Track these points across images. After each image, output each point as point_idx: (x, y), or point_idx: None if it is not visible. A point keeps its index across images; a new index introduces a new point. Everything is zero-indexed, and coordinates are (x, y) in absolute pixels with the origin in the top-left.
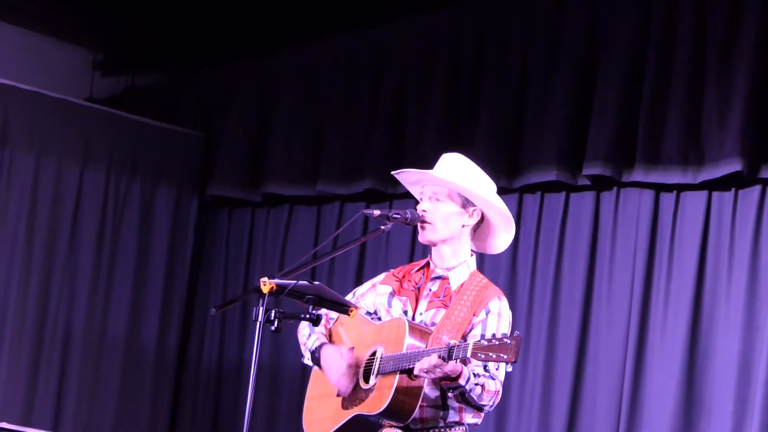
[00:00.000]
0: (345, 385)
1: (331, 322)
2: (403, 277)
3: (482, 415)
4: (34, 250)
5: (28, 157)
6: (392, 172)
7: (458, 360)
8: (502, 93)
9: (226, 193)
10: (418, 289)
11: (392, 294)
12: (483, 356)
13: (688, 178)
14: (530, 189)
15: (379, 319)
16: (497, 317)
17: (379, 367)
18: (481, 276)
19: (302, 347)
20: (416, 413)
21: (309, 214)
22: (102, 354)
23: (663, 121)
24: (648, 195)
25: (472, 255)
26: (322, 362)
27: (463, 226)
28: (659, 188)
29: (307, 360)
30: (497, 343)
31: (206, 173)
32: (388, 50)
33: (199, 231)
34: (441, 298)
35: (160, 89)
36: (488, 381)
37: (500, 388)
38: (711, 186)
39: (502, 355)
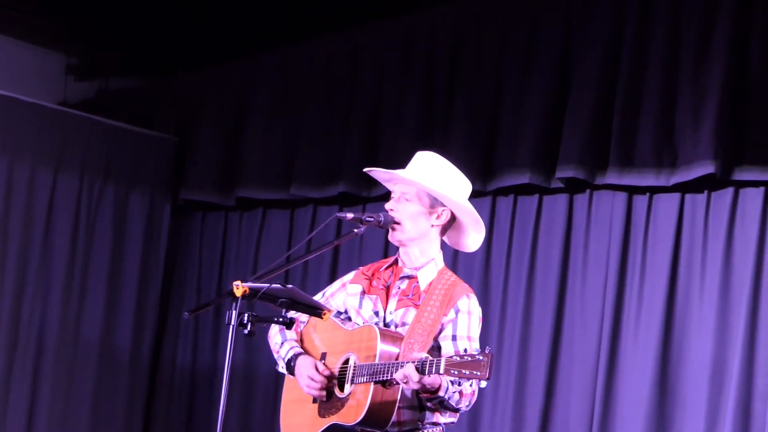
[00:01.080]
0: (316, 392)
1: (302, 325)
2: (372, 274)
3: (458, 414)
4: (7, 255)
5: (1, 161)
6: (365, 169)
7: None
8: (477, 96)
9: (200, 197)
10: (387, 288)
11: (363, 293)
12: (456, 372)
13: (661, 180)
14: (504, 192)
15: (349, 319)
16: (467, 316)
17: (352, 376)
18: (450, 273)
19: (275, 355)
20: (394, 417)
21: (282, 217)
22: (76, 358)
23: (636, 124)
24: (621, 197)
25: (439, 253)
26: (297, 372)
27: (432, 226)
28: (632, 190)
29: (282, 369)
30: (469, 360)
31: (180, 177)
32: (363, 53)
33: (172, 235)
34: (410, 297)
35: (133, 93)
36: (465, 385)
37: (476, 388)
38: (684, 188)
39: (474, 372)
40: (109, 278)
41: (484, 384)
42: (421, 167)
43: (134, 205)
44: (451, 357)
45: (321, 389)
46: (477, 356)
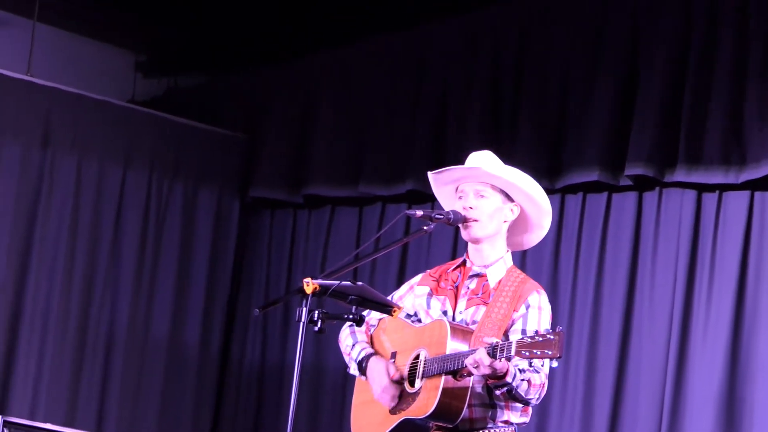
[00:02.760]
0: (387, 400)
1: (372, 329)
2: (440, 276)
3: (529, 412)
4: (76, 253)
5: (71, 159)
6: (431, 172)
7: (503, 359)
8: (544, 93)
9: (268, 195)
10: (456, 288)
11: (430, 294)
12: (527, 353)
13: (730, 178)
14: (572, 189)
15: (419, 321)
16: (538, 311)
17: (423, 370)
18: (518, 271)
19: (346, 357)
20: (465, 413)
21: (351, 215)
22: (145, 356)
23: (705, 121)
24: (690, 195)
25: (507, 251)
26: (368, 373)
27: (504, 221)
28: (701, 188)
29: (353, 371)
30: (540, 339)
31: (248, 175)
32: (429, 51)
33: (241, 232)
34: (480, 296)
35: (202, 91)
36: (533, 375)
37: (545, 381)
38: (753, 186)
39: (546, 351)
40: (178, 276)
41: (555, 364)
42: (487, 164)
43: (203, 203)
44: (522, 338)
45: (393, 398)
46: (548, 335)
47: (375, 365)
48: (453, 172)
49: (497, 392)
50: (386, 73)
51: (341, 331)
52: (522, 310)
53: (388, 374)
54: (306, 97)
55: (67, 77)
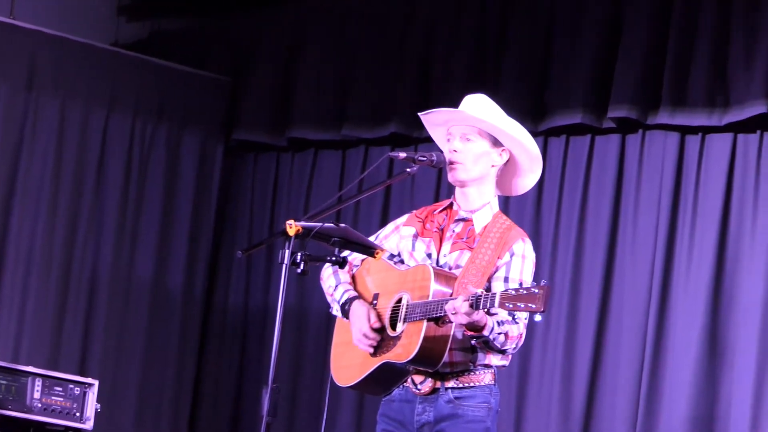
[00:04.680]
0: (364, 346)
1: (354, 268)
2: (426, 218)
3: (509, 357)
4: (60, 196)
5: (54, 102)
6: (420, 113)
7: (486, 309)
8: (529, 35)
9: (252, 138)
10: (442, 231)
11: (416, 236)
12: (511, 306)
13: (713, 120)
14: (555, 132)
15: (402, 261)
16: (521, 259)
17: (405, 315)
18: (505, 217)
19: (329, 297)
20: (445, 357)
21: (334, 158)
22: (128, 298)
23: (689, 63)
24: (673, 137)
25: (495, 196)
26: (351, 317)
27: (492, 165)
28: (684, 131)
29: (336, 311)
30: (525, 292)
31: (232, 118)
32: None
33: (224, 176)
34: (464, 240)
35: (186, 34)
36: (511, 327)
37: (523, 331)
38: (736, 128)
39: (530, 304)
40: (162, 219)
41: (539, 318)
42: (477, 107)
43: (187, 146)
44: (506, 290)
45: (371, 345)
46: (532, 289)
47: (357, 309)
48: (439, 114)
49: (473, 342)
50: (372, 15)
51: (323, 270)
52: (506, 257)
53: (369, 321)
54: (291, 40)
55: (50, 20)
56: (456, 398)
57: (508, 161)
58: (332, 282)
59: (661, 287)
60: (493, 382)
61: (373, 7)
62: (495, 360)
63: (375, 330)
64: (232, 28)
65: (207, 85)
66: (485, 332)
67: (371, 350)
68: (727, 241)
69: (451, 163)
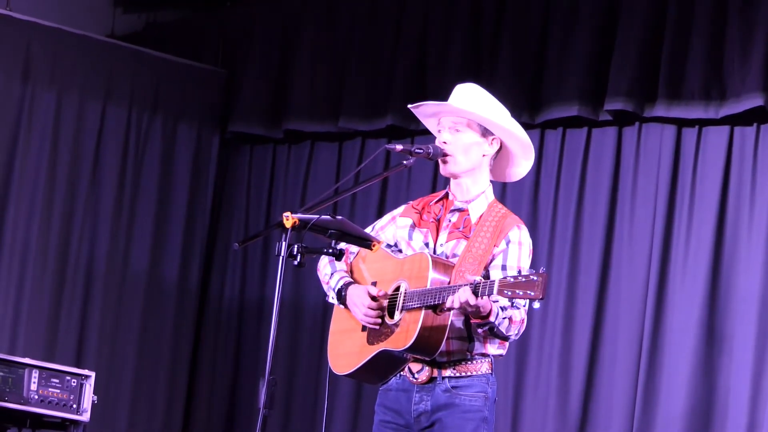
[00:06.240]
0: (371, 321)
1: (351, 257)
2: (423, 208)
3: (507, 345)
4: (56, 186)
5: (50, 93)
6: (409, 106)
7: (485, 297)
8: (525, 28)
9: (248, 130)
10: (438, 221)
11: (413, 226)
12: (509, 293)
13: (710, 113)
14: (552, 124)
15: (400, 251)
16: (518, 246)
17: (403, 303)
18: (500, 206)
19: (325, 286)
20: (443, 346)
21: (330, 150)
22: (124, 290)
23: (685, 56)
24: (670, 130)
25: (489, 185)
26: (348, 301)
27: (483, 155)
28: (681, 123)
29: (332, 299)
30: (523, 279)
31: (228, 110)
32: None
33: (220, 167)
34: (461, 230)
35: (182, 26)
36: (514, 312)
37: (525, 316)
38: (733, 121)
39: (528, 292)
40: (158, 210)
41: (537, 305)
42: (466, 98)
43: (182, 138)
44: (505, 278)
45: (376, 317)
46: (531, 276)
47: (354, 291)
48: (428, 106)
49: (479, 330)
50: (367, 7)
51: (320, 260)
52: (502, 245)
53: (371, 297)
54: (286, 31)
55: (46, 12)
56: (453, 387)
57: (501, 150)
58: (328, 270)
59: (659, 279)
60: (490, 371)
61: None
62: (492, 349)
63: (378, 302)
64: (227, 20)
65: (202, 76)
66: (491, 318)
67: (378, 323)
68: (724, 232)
69: (445, 155)
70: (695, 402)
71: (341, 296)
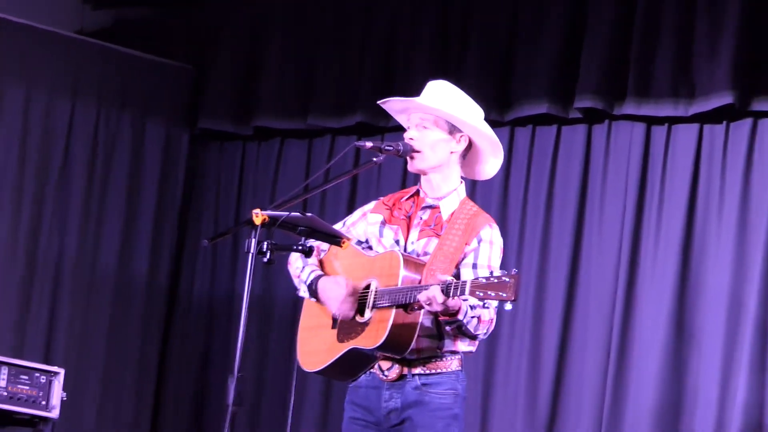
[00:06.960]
0: (346, 312)
1: (322, 253)
2: (393, 205)
3: (477, 342)
4: (24, 183)
5: (18, 89)
6: (378, 102)
7: (456, 297)
8: (493, 25)
9: (217, 127)
10: (409, 218)
11: (383, 223)
12: (481, 294)
13: (679, 110)
14: (521, 122)
15: (370, 248)
16: (489, 245)
17: (374, 301)
18: (472, 203)
19: (296, 280)
20: (413, 344)
21: (300, 147)
22: (93, 286)
23: (654, 54)
24: (639, 128)
25: (461, 182)
26: (320, 293)
27: (452, 152)
28: (650, 121)
29: (303, 293)
30: (495, 281)
31: (197, 107)
32: None
33: (189, 164)
34: (432, 227)
35: (150, 22)
36: (483, 311)
37: (494, 316)
38: (702, 119)
39: (500, 293)
40: (127, 207)
41: (509, 306)
42: (435, 95)
43: (151, 135)
44: (477, 279)
45: (352, 308)
46: (503, 277)
47: (326, 282)
48: (395, 102)
49: (447, 328)
50: (335, 4)
51: (290, 257)
52: (474, 243)
53: (342, 287)
54: (255, 28)
55: (13, 7)
56: (423, 385)
57: (471, 147)
58: (299, 264)
59: (628, 276)
60: (459, 368)
61: None
62: (462, 346)
63: (351, 295)
64: (196, 17)
65: (171, 73)
66: (459, 316)
67: (352, 314)
68: (694, 229)
69: (414, 151)
70: (664, 397)
71: (312, 289)
